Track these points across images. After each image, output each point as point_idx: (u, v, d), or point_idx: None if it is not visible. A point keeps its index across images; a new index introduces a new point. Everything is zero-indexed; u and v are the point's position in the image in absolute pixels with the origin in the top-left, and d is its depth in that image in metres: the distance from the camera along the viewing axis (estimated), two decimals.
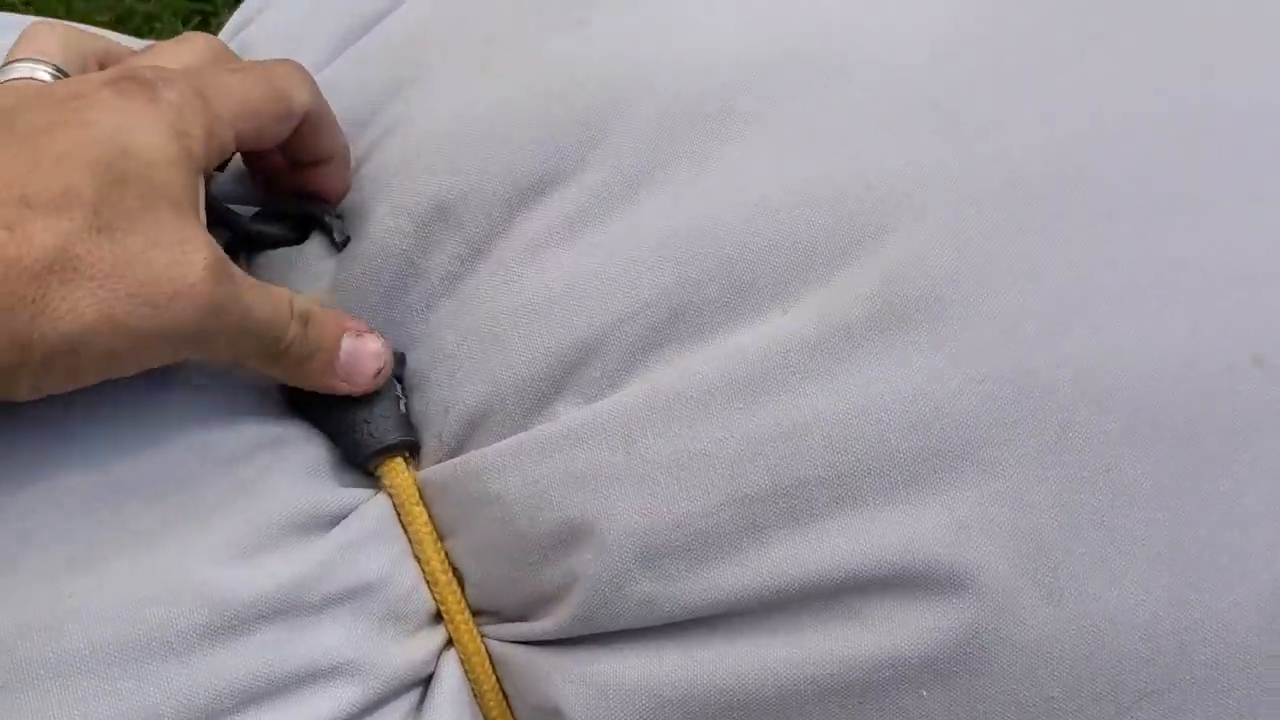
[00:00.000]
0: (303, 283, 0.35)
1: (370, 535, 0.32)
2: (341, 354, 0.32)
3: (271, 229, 0.36)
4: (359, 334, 0.32)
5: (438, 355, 0.34)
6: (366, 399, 0.33)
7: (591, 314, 0.32)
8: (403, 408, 0.34)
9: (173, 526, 0.30)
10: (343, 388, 0.32)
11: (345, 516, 0.32)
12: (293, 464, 0.32)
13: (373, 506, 0.33)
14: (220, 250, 0.28)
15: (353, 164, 0.36)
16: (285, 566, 0.30)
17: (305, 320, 0.31)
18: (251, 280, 0.29)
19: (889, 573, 0.29)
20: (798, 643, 0.30)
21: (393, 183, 0.35)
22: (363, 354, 0.32)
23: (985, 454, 0.29)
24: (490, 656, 0.33)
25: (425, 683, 0.33)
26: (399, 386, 0.34)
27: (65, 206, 0.26)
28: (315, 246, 0.36)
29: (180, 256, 0.27)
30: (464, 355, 0.33)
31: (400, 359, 0.34)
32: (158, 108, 0.28)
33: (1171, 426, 0.29)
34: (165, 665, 0.28)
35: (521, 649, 0.33)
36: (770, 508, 0.30)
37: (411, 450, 0.34)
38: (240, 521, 0.30)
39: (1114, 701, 0.29)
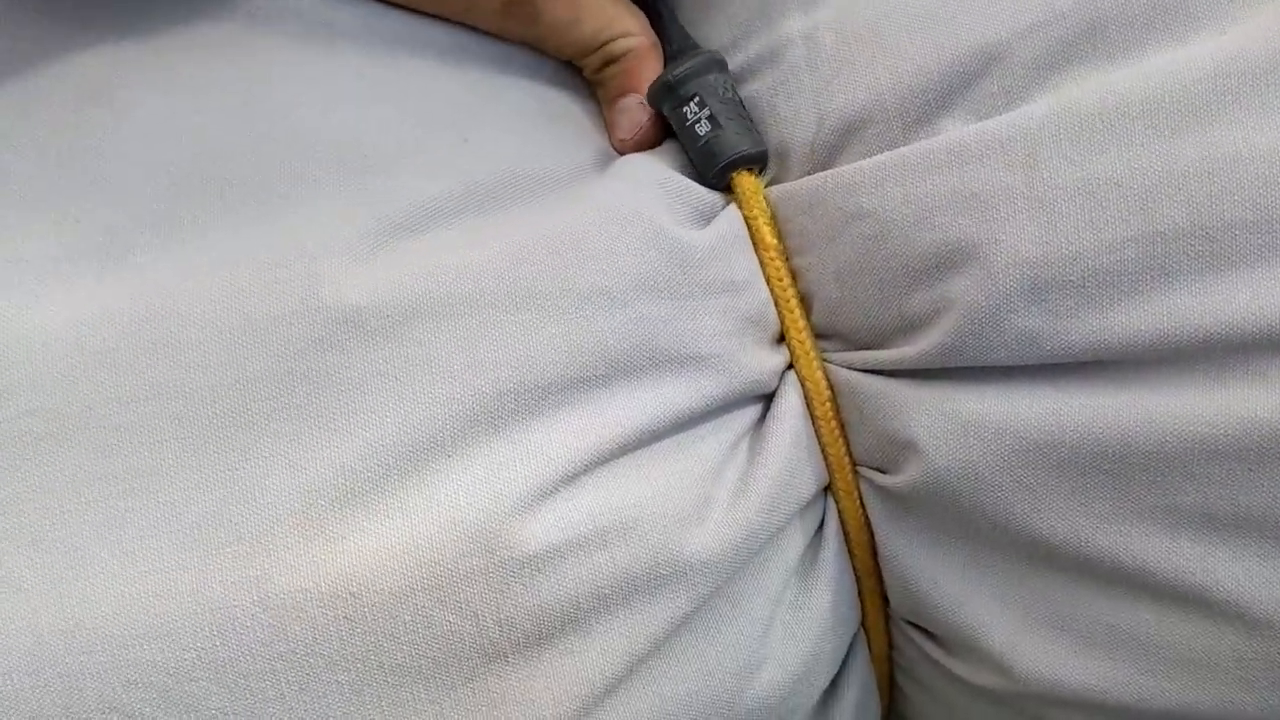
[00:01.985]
0: None
1: (735, 237, 0.31)
2: (616, 106, 0.34)
3: None
4: (641, 102, 0.34)
5: (816, 57, 0.32)
6: (710, 109, 0.32)
7: (996, 19, 0.29)
8: (739, 115, 0.32)
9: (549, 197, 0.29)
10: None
11: (714, 217, 0.31)
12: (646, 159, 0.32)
13: (732, 213, 0.32)
14: None
15: None
16: (665, 244, 0.29)
17: (606, 60, 0.34)
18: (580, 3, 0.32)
19: None
20: (1190, 398, 0.28)
21: None
22: (624, 120, 0.34)
23: None
24: (831, 383, 0.32)
25: (766, 401, 0.32)
26: (731, 92, 0.33)
27: None
28: None
29: None
30: (845, 59, 0.31)
31: (721, 63, 0.32)
32: None
33: None
34: (545, 318, 0.28)
35: (871, 377, 0.31)
36: (1183, 248, 0.27)
37: (760, 163, 0.33)
38: (610, 195, 0.30)
39: None
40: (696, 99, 0.32)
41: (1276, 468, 0.27)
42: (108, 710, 0.26)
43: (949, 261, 0.29)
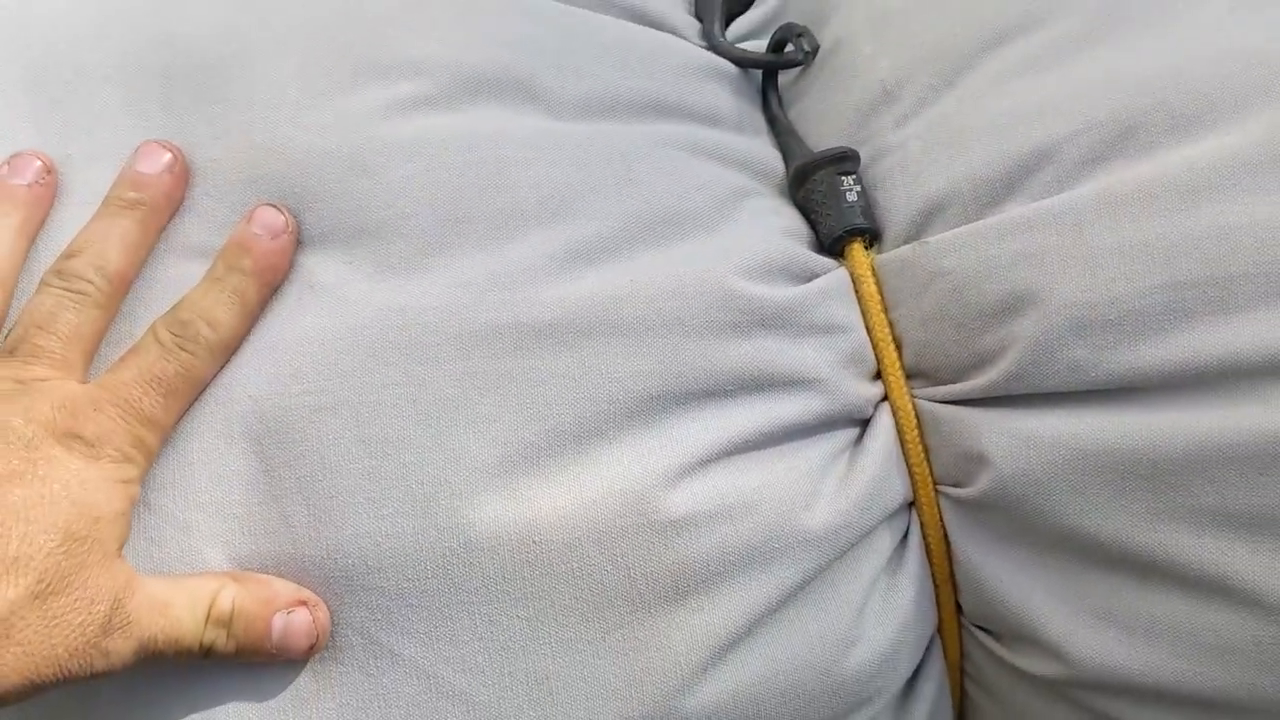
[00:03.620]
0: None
1: (837, 292, 0.39)
2: (274, 635, 0.33)
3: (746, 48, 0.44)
4: (290, 610, 0.33)
5: (905, 162, 0.40)
6: (834, 191, 0.40)
7: (1048, 127, 0.38)
8: (864, 200, 0.41)
9: (699, 240, 0.38)
10: (279, 658, 0.34)
11: (818, 276, 0.39)
12: (768, 220, 0.40)
13: (838, 274, 0.40)
14: (131, 584, 0.31)
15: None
16: (781, 292, 0.37)
17: (227, 621, 0.32)
18: (163, 601, 0.32)
19: None
20: (1209, 415, 0.34)
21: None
22: (294, 633, 0.33)
23: None
24: (917, 412, 0.39)
25: (864, 425, 0.40)
26: (860, 183, 0.41)
27: (15, 572, 0.29)
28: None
29: (87, 616, 0.30)
30: (928, 161, 0.40)
31: (855, 156, 0.41)
32: (101, 465, 0.32)
33: None
34: (690, 342, 0.36)
35: (951, 407, 0.38)
36: (1199, 295, 0.34)
37: (872, 237, 0.41)
38: (745, 249, 0.38)
39: None
40: (854, 175, 0.41)
41: (1273, 477, 0.34)
42: (344, 626, 0.34)
43: (1013, 307, 0.37)
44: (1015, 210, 0.37)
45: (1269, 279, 0.34)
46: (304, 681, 0.34)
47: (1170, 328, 0.35)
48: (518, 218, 0.37)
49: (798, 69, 0.45)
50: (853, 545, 0.37)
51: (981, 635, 0.40)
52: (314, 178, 0.37)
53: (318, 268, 0.36)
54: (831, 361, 0.38)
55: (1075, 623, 0.37)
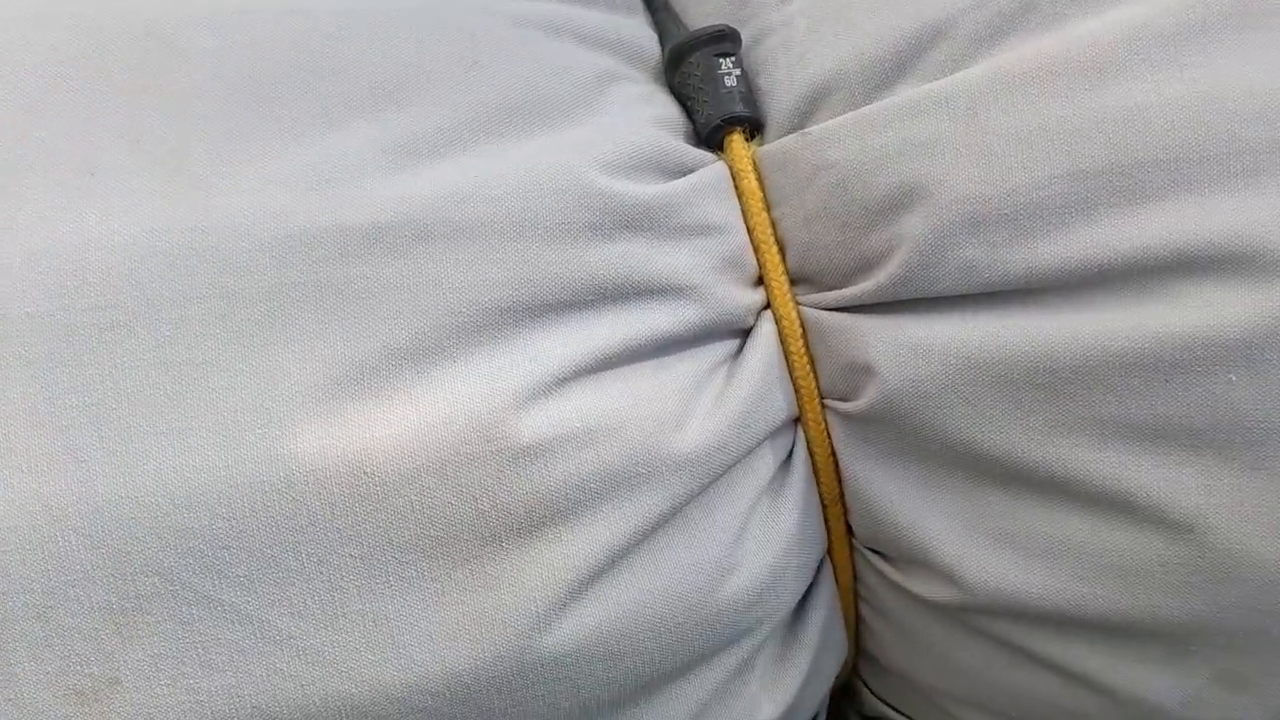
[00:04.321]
0: None
1: (713, 189, 0.35)
2: None
3: None
4: None
5: (789, 41, 0.36)
6: (711, 76, 0.36)
7: (942, 0, 0.34)
8: (745, 86, 0.37)
9: (556, 131, 0.33)
10: None
11: (692, 171, 0.35)
12: (637, 109, 0.36)
13: (715, 168, 0.36)
14: None
15: None
16: (649, 189, 0.33)
17: None
18: None
19: (1215, 254, 0.30)
20: (1111, 318, 0.31)
21: None
22: None
23: None
24: (803, 323, 0.36)
25: (743, 336, 0.36)
26: (740, 66, 0.37)
27: None
28: None
29: None
30: (813, 40, 0.36)
31: (735, 36, 0.37)
32: None
33: None
34: (544, 247, 0.32)
35: (836, 314, 0.35)
36: (1104, 184, 0.31)
37: (753, 126, 0.37)
38: (608, 141, 0.34)
39: None
40: (733, 58, 0.37)
41: (1188, 378, 0.31)
42: (150, 572, 0.30)
43: (900, 202, 0.33)
44: (905, 93, 0.34)
45: (1179, 165, 0.31)
46: (106, 636, 0.30)
47: (1072, 222, 0.31)
48: (342, 104, 0.33)
49: None
50: (730, 467, 0.34)
51: (874, 558, 0.37)
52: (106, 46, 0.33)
53: (99, 150, 0.32)
54: (706, 266, 0.34)
55: (970, 545, 0.34)
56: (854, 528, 0.37)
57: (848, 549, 0.38)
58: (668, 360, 0.34)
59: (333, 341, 0.31)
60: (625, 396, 0.33)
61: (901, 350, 0.33)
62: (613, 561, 0.32)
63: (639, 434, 0.32)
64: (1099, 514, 0.32)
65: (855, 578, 0.38)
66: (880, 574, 0.37)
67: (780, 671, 0.37)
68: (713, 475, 0.33)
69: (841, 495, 0.36)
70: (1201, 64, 0.31)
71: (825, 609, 0.38)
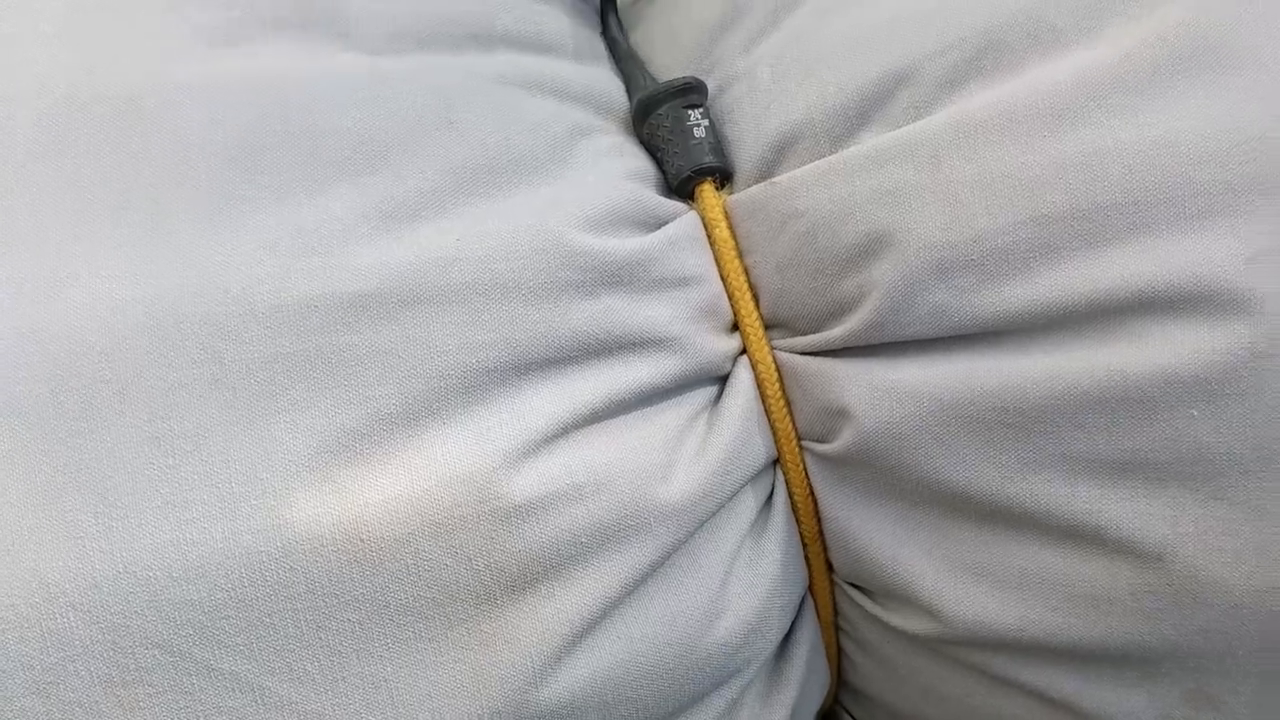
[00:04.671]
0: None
1: (687, 239, 0.36)
2: None
3: None
4: None
5: (753, 90, 0.37)
6: (680, 127, 0.37)
7: (904, 47, 0.35)
8: (713, 136, 0.38)
9: (532, 189, 0.34)
10: None
11: (666, 223, 0.36)
12: (609, 162, 0.36)
13: (688, 219, 0.37)
14: None
15: None
16: (626, 244, 0.34)
17: None
18: None
19: (1174, 294, 0.31)
20: (1076, 357, 0.32)
21: None
22: None
23: None
24: (778, 365, 0.37)
25: (721, 382, 0.37)
26: (708, 116, 0.38)
27: None
28: None
29: None
30: (777, 89, 0.37)
31: (702, 87, 0.38)
32: None
33: None
34: (528, 307, 0.33)
35: (811, 359, 0.36)
36: (1066, 229, 0.32)
37: (723, 176, 0.38)
38: (584, 198, 0.34)
39: None
40: (701, 109, 0.37)
41: (1151, 414, 0.32)
42: (150, 645, 0.30)
43: (870, 250, 0.34)
44: (870, 141, 0.35)
45: (1137, 208, 0.32)
46: (107, 708, 0.30)
47: (1036, 265, 0.33)
48: (324, 168, 0.33)
49: None
50: (714, 513, 0.35)
51: (854, 593, 0.38)
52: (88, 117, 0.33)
53: (83, 222, 0.32)
54: (684, 317, 0.35)
55: (947, 579, 0.35)
56: (834, 564, 0.38)
57: (828, 584, 0.38)
58: (650, 411, 0.35)
59: (323, 410, 0.31)
60: (612, 450, 0.33)
61: (875, 393, 0.34)
62: (605, 613, 0.33)
63: (627, 487, 0.33)
64: (1071, 547, 0.33)
65: (836, 612, 0.39)
66: (860, 608, 0.38)
67: (767, 708, 0.38)
68: (698, 522, 0.34)
69: (820, 533, 0.37)
70: (1158, 109, 0.32)
71: (808, 644, 0.39)
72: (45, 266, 0.32)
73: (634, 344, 0.34)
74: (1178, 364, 0.31)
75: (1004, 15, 0.34)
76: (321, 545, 0.31)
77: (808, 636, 0.39)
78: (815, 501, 0.37)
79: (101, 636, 0.30)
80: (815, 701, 0.40)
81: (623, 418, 0.34)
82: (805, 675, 0.39)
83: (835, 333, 0.35)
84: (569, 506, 0.32)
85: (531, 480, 0.32)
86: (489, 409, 0.32)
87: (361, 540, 0.31)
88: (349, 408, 0.31)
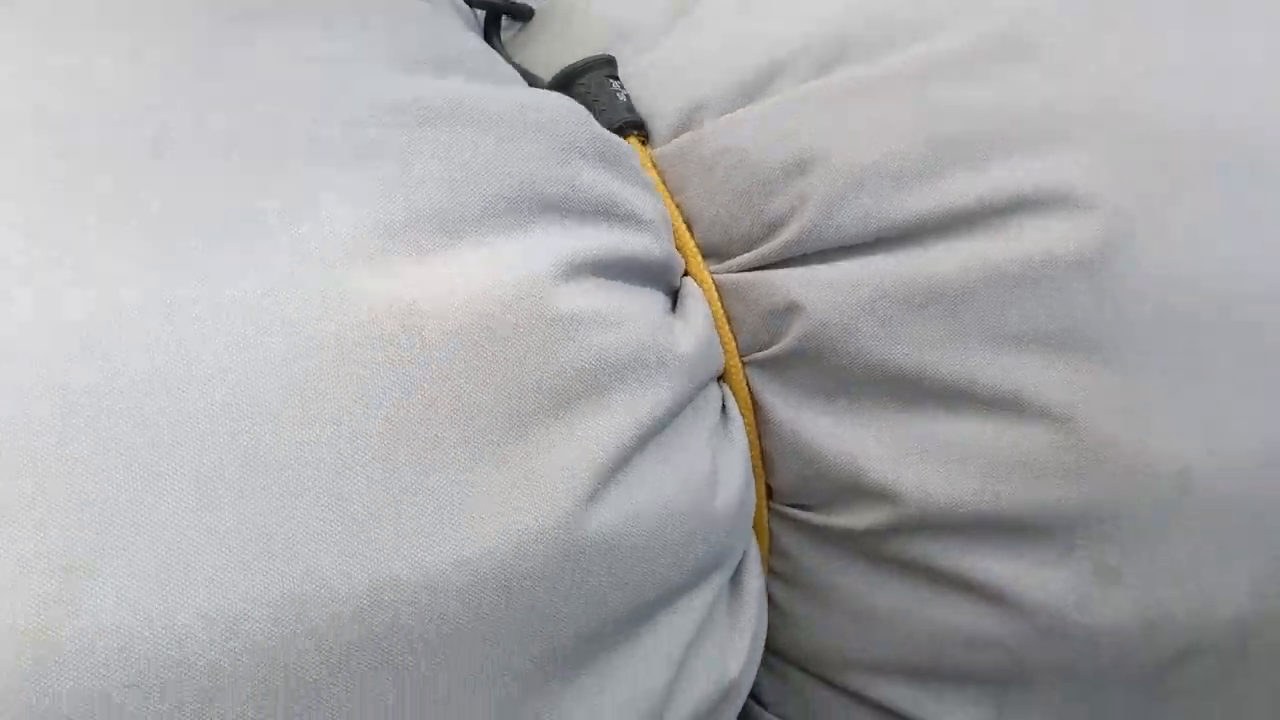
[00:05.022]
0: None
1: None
2: None
3: None
4: None
5: (645, 86, 0.43)
6: (605, 90, 0.41)
7: (773, 48, 0.42)
8: (626, 98, 0.42)
9: None
10: None
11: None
12: None
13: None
14: None
15: None
16: (611, 141, 0.37)
17: None
18: None
19: (1040, 196, 0.39)
20: (975, 247, 0.38)
21: None
22: None
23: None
24: (717, 285, 0.39)
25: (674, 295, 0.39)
26: (618, 83, 0.42)
27: None
28: None
29: None
30: (661, 89, 0.42)
31: (610, 60, 0.42)
32: None
33: None
34: (549, 152, 0.34)
35: (751, 274, 0.39)
36: (952, 152, 0.40)
37: (644, 137, 0.42)
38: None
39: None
40: (619, 81, 0.41)
41: (1040, 290, 0.38)
42: None
43: (800, 168, 0.39)
44: (787, 92, 0.41)
45: (1005, 137, 0.40)
46: None
47: (931, 178, 0.39)
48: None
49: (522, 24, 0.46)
50: (705, 384, 0.36)
51: (794, 512, 0.39)
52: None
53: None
54: (656, 213, 0.38)
55: (898, 463, 0.38)
56: (774, 488, 0.39)
57: (765, 515, 0.39)
58: (643, 286, 0.36)
59: (373, 199, 0.30)
60: (626, 297, 0.34)
61: (821, 286, 0.38)
62: (640, 444, 0.32)
63: (646, 327, 0.34)
64: (999, 415, 0.38)
65: (771, 551, 0.39)
66: (799, 526, 0.39)
67: (733, 631, 0.37)
68: (700, 381, 0.35)
69: (762, 455, 0.39)
70: (1000, 74, 0.41)
71: (756, 576, 0.38)
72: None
73: (628, 217, 0.36)
74: (1051, 249, 0.38)
75: (852, 22, 0.43)
76: (375, 315, 0.28)
77: (754, 570, 0.39)
78: (758, 423, 0.38)
79: None
80: (762, 643, 0.39)
81: (624, 280, 0.35)
82: (758, 608, 0.38)
83: (773, 244, 0.39)
84: (604, 331, 0.33)
85: (573, 293, 0.32)
86: (526, 232, 0.33)
87: (416, 316, 0.29)
88: (398, 199, 0.30)
